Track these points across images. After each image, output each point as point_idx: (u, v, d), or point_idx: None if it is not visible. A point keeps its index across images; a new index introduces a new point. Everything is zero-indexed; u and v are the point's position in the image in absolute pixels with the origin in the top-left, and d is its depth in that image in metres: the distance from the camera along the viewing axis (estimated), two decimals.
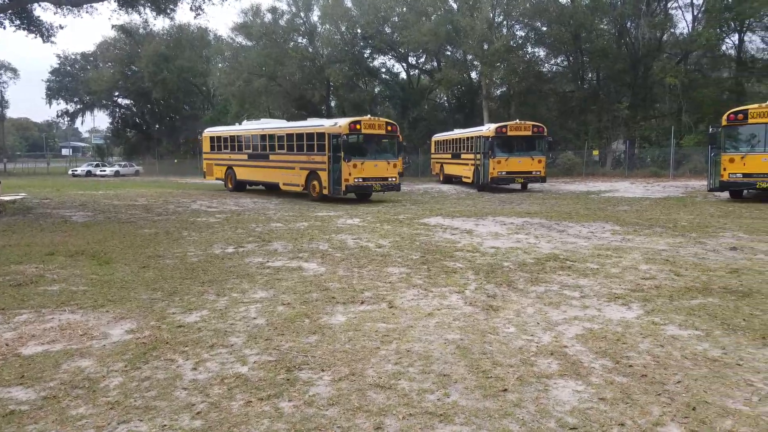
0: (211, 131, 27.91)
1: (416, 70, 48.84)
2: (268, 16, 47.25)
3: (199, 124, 50.81)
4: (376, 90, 50.16)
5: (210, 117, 52.86)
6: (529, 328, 5.34)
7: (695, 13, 35.77)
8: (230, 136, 25.78)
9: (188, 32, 57.91)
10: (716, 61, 35.27)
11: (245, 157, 24.44)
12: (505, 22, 39.75)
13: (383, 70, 49.41)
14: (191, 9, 21.81)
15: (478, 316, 5.70)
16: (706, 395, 3.83)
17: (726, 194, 18.47)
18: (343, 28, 45.31)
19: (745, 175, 16.73)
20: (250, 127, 25.30)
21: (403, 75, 49.67)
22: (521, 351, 4.73)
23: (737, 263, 8.09)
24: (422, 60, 47.08)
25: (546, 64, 41.19)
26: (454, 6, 40.97)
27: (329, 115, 43.04)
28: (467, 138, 26.98)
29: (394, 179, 19.52)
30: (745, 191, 18.02)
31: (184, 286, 7.18)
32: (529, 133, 24.02)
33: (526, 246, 9.85)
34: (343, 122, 19.00)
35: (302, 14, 47.53)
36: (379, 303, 6.25)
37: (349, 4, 45.35)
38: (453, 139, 29.68)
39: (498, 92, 40.69)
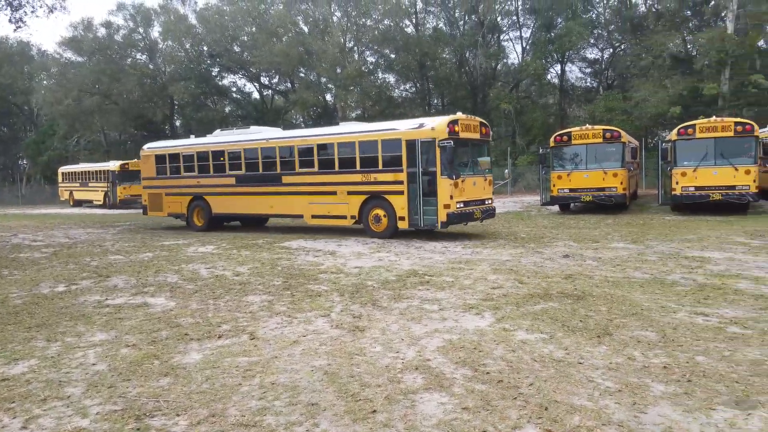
0: (156, 147, 19.36)
1: (270, 91, 48.34)
2: (102, 31, 43.90)
3: (20, 147, 45.19)
4: (227, 109, 48.73)
5: (33, 139, 47.31)
6: (394, 345, 5.40)
7: (524, 45, 40.04)
8: (199, 152, 17.51)
9: (7, 46, 51.48)
10: (543, 89, 39.63)
11: (230, 181, 16.74)
12: (356, 48, 41.02)
13: (234, 89, 48.23)
14: (10, 21, 19.22)
15: (345, 339, 5.65)
16: (555, 395, 4.14)
17: (556, 208, 20.60)
18: (188, 45, 43.51)
19: (571, 190, 18.82)
20: (238, 138, 17.10)
21: (256, 95, 48.90)
22: (388, 369, 4.75)
23: (570, 269, 9.00)
24: (275, 80, 46.77)
25: (396, 90, 43.18)
26: (305, 29, 41.42)
27: (174, 136, 40.69)
28: None
29: (490, 201, 14.45)
30: (572, 204, 20.28)
31: (6, 333, 6.21)
32: None
33: (387, 264, 10.06)
34: (437, 122, 13.11)
35: (141, 30, 44.85)
36: (239, 335, 5.92)
37: (193, 21, 43.71)
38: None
39: (354, 115, 41.70)
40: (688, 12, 34.96)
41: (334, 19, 39.79)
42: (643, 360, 4.78)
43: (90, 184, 34.82)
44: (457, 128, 12.97)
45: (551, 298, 7.04)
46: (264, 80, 46.78)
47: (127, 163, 33.00)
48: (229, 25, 42.05)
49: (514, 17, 40.29)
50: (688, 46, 33.99)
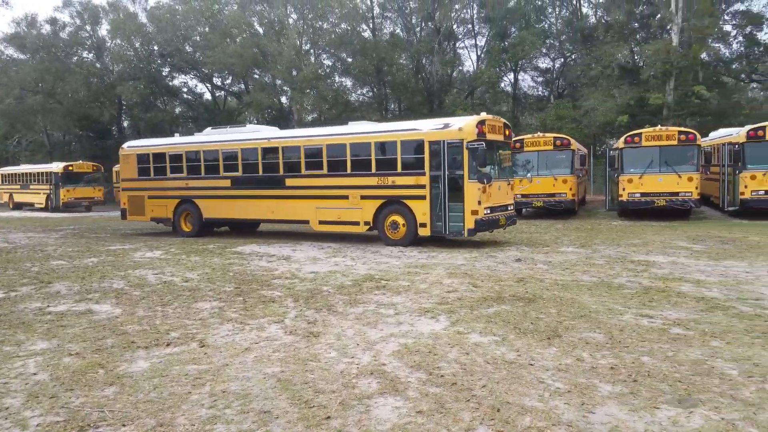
0: (138, 146, 17.93)
1: (222, 92, 47.47)
2: (47, 28, 42.15)
3: None
4: (178, 110, 47.56)
5: None
6: (349, 350, 5.37)
7: (479, 53, 40.75)
8: (189, 152, 16.24)
9: None
10: (497, 96, 40.41)
11: (225, 183, 15.52)
12: (312, 51, 40.79)
13: (185, 89, 47.13)
14: None
15: (299, 345, 5.58)
16: (507, 396, 4.20)
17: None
18: (137, 44, 42.26)
19: (523, 195, 19.24)
20: (234, 137, 15.81)
21: (208, 96, 47.91)
22: (343, 375, 4.72)
23: (522, 273, 9.19)
24: (228, 81, 45.97)
25: (353, 94, 43.16)
26: (260, 30, 40.90)
27: (122, 137, 39.41)
28: None
29: (512, 207, 13.87)
30: (524, 210, 20.74)
31: None
32: None
33: (344, 269, 10.01)
34: (464, 123, 12.38)
35: (88, 27, 43.29)
36: (189, 343, 5.76)
37: (143, 19, 42.52)
38: None
39: (310, 118, 41.41)
40: (636, 24, 36.42)
41: (290, 21, 39.47)
42: (592, 361, 4.91)
43: (31, 187, 33.38)
44: (484, 129, 12.36)
45: (504, 301, 7.15)
46: (217, 81, 45.92)
47: (71, 165, 31.91)
48: (181, 24, 41.07)
49: (470, 25, 41.00)
50: (636, 58, 35.38)
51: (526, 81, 43.43)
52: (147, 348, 5.60)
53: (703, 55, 32.35)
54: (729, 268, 9.22)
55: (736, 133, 18.32)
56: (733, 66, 37.08)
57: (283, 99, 42.42)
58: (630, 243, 12.77)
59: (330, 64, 41.90)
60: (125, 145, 18.25)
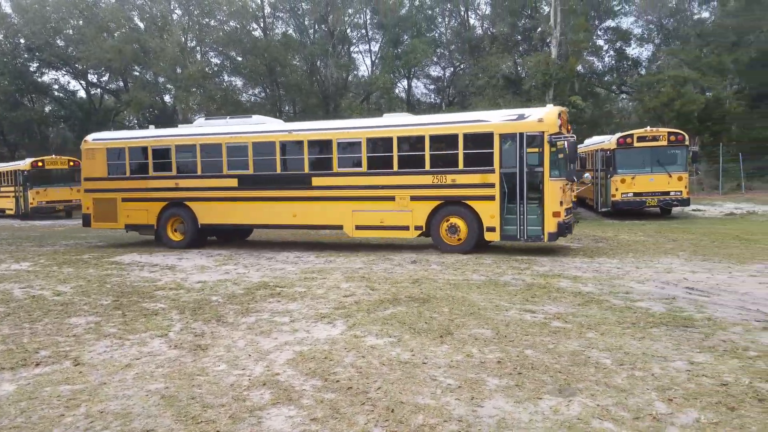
0: (109, 139, 14.75)
1: (99, 90, 44.18)
2: None
3: None
4: (47, 108, 43.60)
5: None
6: (240, 362, 5.16)
7: (373, 59, 41.32)
8: (180, 146, 13.77)
9: None
10: (392, 102, 41.21)
11: (230, 182, 13.21)
12: (199, 48, 39.15)
13: (56, 86, 43.32)
14: None
15: (185, 359, 5.27)
16: (401, 396, 4.24)
17: None
18: (1, 37, 38.22)
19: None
20: (240, 129, 13.45)
21: (83, 93, 44.40)
22: (233, 387, 4.52)
23: (417, 274, 9.38)
24: (105, 79, 42.88)
25: (244, 94, 41.98)
26: (141, 25, 38.61)
27: None
28: None
29: (574, 209, 12.68)
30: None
31: None
32: None
33: (235, 277, 9.64)
34: (544, 113, 11.12)
35: None
36: (61, 362, 5.24)
37: (8, 9, 38.59)
38: None
39: (196, 118, 39.71)
40: (519, 37, 38.80)
41: (174, 16, 37.66)
42: (480, 356, 5.10)
43: (2, 189, 28.45)
44: (562, 120, 11.26)
45: (400, 303, 7.25)
46: (92, 78, 42.70)
47: (41, 161, 26.69)
48: (52, 16, 37.78)
49: (363, 30, 41.51)
50: (519, 69, 37.65)
51: (420, 88, 44.88)
52: (13, 369, 5.03)
53: (579, 68, 35.14)
54: (602, 265, 10.02)
55: (607, 141, 19.94)
56: (605, 78, 40.70)
57: (167, 98, 40.34)
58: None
59: (218, 62, 40.50)
60: (90, 138, 15.03)
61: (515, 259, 10.80)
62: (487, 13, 41.32)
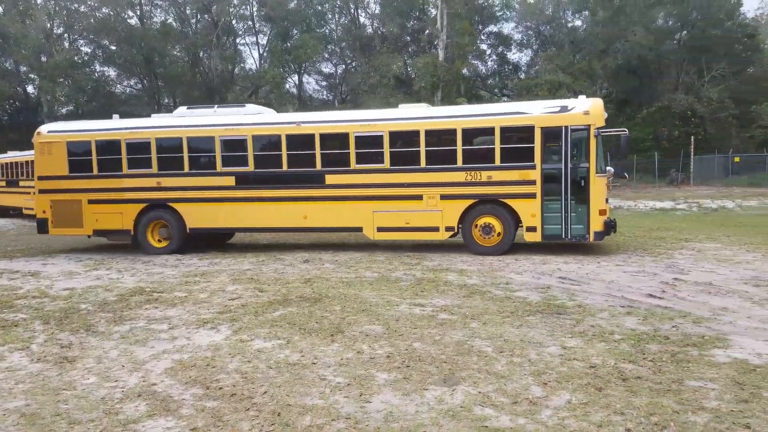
0: (70, 131, 12.75)
1: None
2: None
3: None
4: None
5: None
6: (112, 373, 4.76)
7: (261, 52, 40.26)
8: (162, 139, 12.06)
9: None
10: (282, 97, 40.48)
11: (225, 181, 11.79)
12: (67, 35, 35.94)
13: None
14: None
15: (49, 373, 4.77)
16: (288, 398, 4.13)
17: None
18: None
19: None
20: (235, 120, 11.97)
21: None
22: (104, 401, 4.16)
23: (310, 274, 9.24)
24: None
25: (119, 85, 39.21)
26: (0, 9, 34.72)
27: None
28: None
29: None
30: None
31: None
32: None
33: (107, 282, 8.91)
34: (589, 105, 10.46)
35: None
36: None
37: None
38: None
39: (64, 110, 36.39)
40: (408, 38, 39.72)
41: (38, 0, 34.28)
42: (370, 352, 5.10)
43: None
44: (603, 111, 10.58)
45: (290, 303, 7.09)
46: None
47: None
48: None
49: (250, 22, 40.34)
50: (408, 69, 38.56)
51: (311, 84, 44.47)
52: None
53: (465, 71, 36.70)
54: (485, 258, 10.50)
55: None
56: (489, 81, 42.89)
57: (30, 88, 36.67)
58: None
59: (89, 51, 37.49)
60: (44, 130, 12.90)
61: (407, 255, 11.01)
62: (376, 12, 41.91)
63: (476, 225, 10.93)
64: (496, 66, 43.05)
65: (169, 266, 10.44)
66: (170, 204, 12.03)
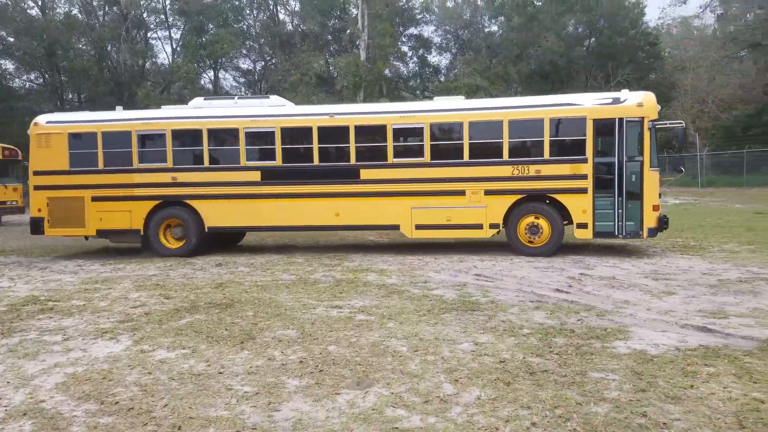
0: (73, 121, 11.76)
1: None
2: None
3: None
4: None
5: None
6: None
7: (174, 46, 38.56)
8: (178, 130, 11.25)
9: None
10: (197, 93, 38.97)
11: (250, 176, 11.08)
12: None
13: None
14: None
15: None
16: (191, 411, 3.88)
17: None
18: None
19: None
20: (258, 111, 11.28)
21: None
22: None
23: (222, 278, 8.87)
24: None
25: (17, 79, 36.32)
26: None
27: None
28: None
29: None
30: None
31: None
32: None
33: None
34: (642, 97, 10.20)
35: None
36: None
37: None
38: None
39: None
40: (330, 37, 39.45)
41: None
42: (282, 358, 4.93)
43: None
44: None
45: (198, 310, 6.75)
46: None
47: None
48: None
49: (163, 16, 38.59)
50: (330, 68, 38.30)
51: (229, 80, 43.19)
52: None
53: (387, 71, 36.94)
54: (406, 257, 10.55)
55: None
56: (410, 83, 43.41)
57: None
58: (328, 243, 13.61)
59: None
60: (42, 120, 11.77)
61: (327, 256, 10.86)
62: (296, 9, 41.36)
63: (526, 223, 10.51)
64: (417, 68, 43.70)
65: (67, 272, 9.70)
66: (187, 201, 11.25)
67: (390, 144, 10.80)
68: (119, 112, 11.93)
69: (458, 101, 11.22)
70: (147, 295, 7.66)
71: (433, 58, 44.11)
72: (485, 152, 10.59)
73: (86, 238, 12.07)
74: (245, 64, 42.70)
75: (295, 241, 13.56)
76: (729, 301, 6.70)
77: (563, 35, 37.95)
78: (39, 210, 11.52)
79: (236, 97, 12.20)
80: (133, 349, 5.32)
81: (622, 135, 10.01)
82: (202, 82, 39.63)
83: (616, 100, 10.22)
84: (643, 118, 9.96)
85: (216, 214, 11.25)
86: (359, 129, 10.92)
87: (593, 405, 3.82)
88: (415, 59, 43.44)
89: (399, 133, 10.92)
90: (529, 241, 10.51)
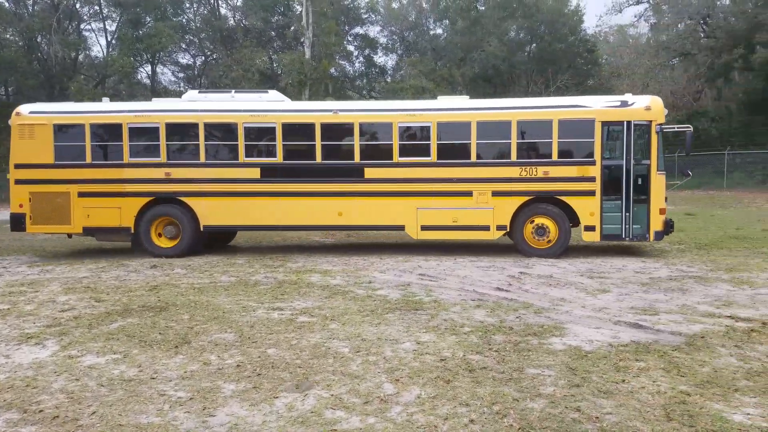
0: (58, 112, 11.05)
1: None
2: None
3: None
4: None
5: None
6: None
7: (109, 39, 36.95)
8: (173, 124, 10.76)
9: None
10: (133, 88, 37.51)
11: (249, 173, 10.66)
12: None
13: None
14: None
15: None
16: (120, 418, 3.72)
17: None
18: None
19: None
20: (257, 106, 10.91)
21: None
22: None
23: (156, 280, 8.54)
24: None
25: None
26: None
27: None
28: None
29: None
30: None
31: None
32: None
33: None
34: (649, 100, 10.17)
35: None
36: None
37: None
38: None
39: None
40: (273, 33, 38.80)
41: None
42: (218, 362, 4.78)
43: None
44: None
45: (131, 314, 6.47)
46: None
47: None
48: None
49: (97, 7, 36.91)
50: (274, 65, 37.69)
51: (167, 75, 41.77)
52: None
53: (332, 70, 36.68)
54: (351, 257, 10.50)
55: None
56: (357, 83, 43.29)
57: None
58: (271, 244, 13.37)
59: None
60: (25, 110, 11.03)
61: (270, 257, 10.66)
62: (238, 4, 40.50)
63: (532, 223, 10.42)
64: (363, 68, 43.68)
65: None
66: (181, 198, 10.80)
67: (396, 142, 10.62)
68: (108, 104, 11.47)
69: (465, 101, 11.13)
70: (76, 298, 7.28)
71: (380, 58, 44.24)
72: (493, 153, 10.61)
73: (69, 236, 11.52)
74: (185, 59, 41.46)
75: (236, 242, 13.25)
76: (659, 298, 7.03)
77: (505, 40, 38.86)
78: (20, 206, 10.83)
79: (233, 91, 11.91)
80: (60, 354, 5.04)
81: (630, 138, 10.09)
82: (139, 76, 38.22)
83: (624, 103, 10.30)
84: (651, 121, 10.04)
85: (212, 213, 10.86)
86: (364, 126, 10.78)
87: (529, 401, 3.91)
88: (361, 59, 43.42)
89: (405, 131, 10.76)
90: (538, 242, 10.46)
